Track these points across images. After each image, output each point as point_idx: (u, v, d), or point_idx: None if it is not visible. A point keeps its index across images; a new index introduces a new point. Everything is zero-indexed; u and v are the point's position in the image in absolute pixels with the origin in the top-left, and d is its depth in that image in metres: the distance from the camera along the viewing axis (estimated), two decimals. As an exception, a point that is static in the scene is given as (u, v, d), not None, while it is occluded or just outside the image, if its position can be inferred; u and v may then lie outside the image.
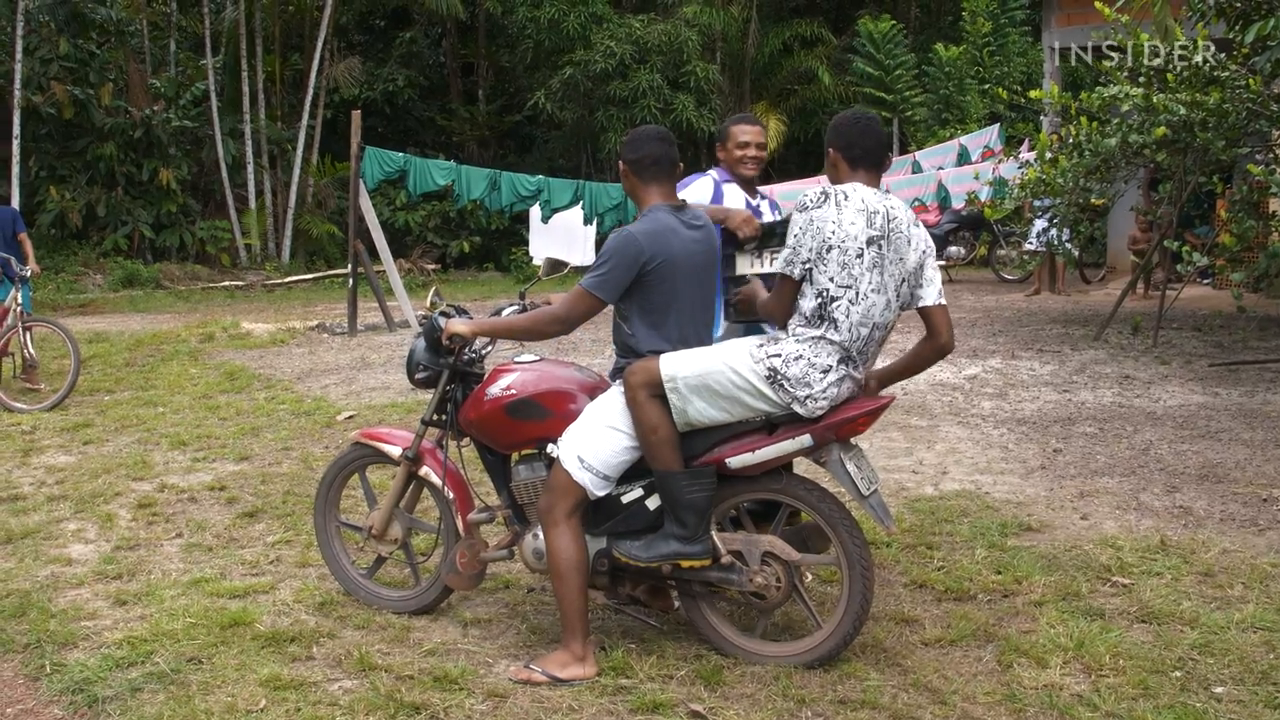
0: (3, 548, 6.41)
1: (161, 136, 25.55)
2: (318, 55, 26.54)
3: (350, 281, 15.59)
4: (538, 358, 4.99)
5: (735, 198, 5.57)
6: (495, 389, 4.83)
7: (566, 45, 27.46)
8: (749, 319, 4.84)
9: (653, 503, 4.60)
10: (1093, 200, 13.11)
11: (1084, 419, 8.92)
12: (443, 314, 5.06)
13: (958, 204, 18.16)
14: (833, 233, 4.24)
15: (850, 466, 4.38)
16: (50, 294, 20.74)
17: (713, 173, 5.77)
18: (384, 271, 15.93)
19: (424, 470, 5.15)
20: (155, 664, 4.64)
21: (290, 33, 29.23)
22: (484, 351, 5.16)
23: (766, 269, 4.74)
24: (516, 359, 4.96)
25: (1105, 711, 4.06)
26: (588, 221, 17.65)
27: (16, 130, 22.94)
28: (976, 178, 16.23)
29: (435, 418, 5.12)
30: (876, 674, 4.40)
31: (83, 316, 18.54)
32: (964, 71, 27.49)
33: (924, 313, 4.47)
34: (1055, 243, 14.15)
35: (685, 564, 4.47)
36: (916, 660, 4.53)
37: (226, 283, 24.02)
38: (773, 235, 4.76)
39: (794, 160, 30.74)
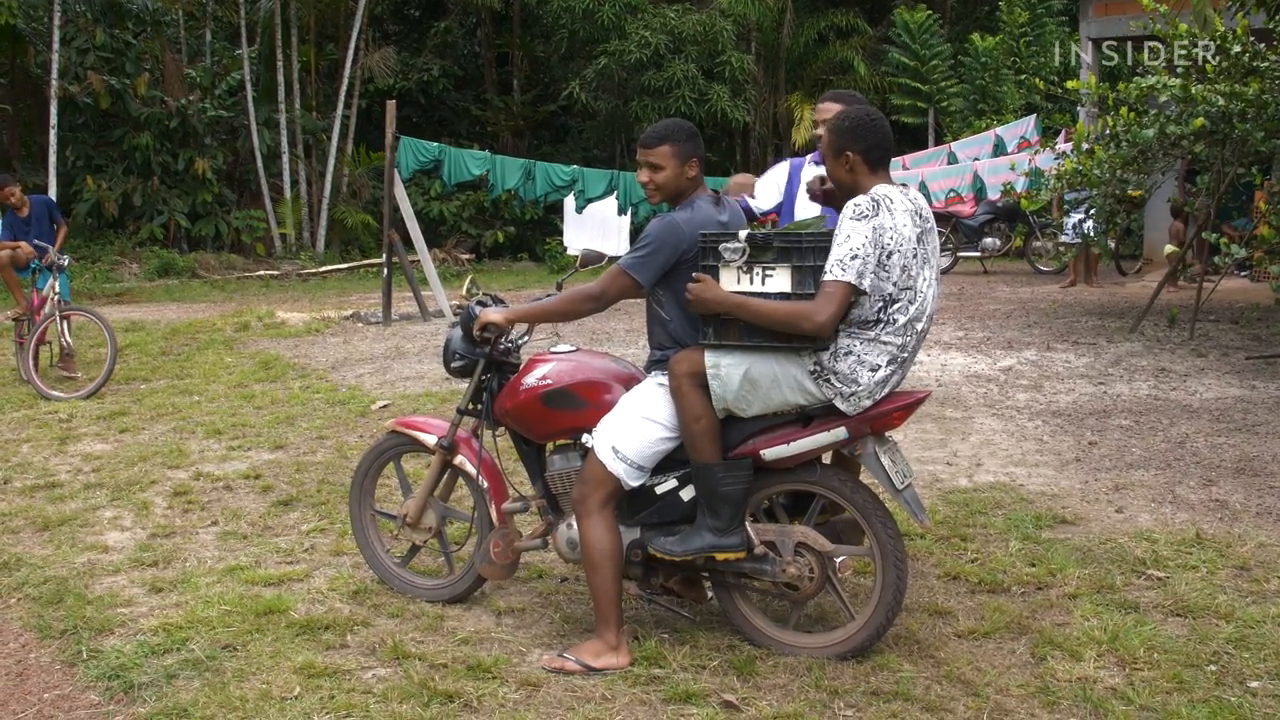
0: (40, 535, 6.47)
1: (197, 126, 25.68)
2: (353, 45, 26.59)
3: (385, 271, 15.62)
4: (574, 348, 5.02)
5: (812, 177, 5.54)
6: (531, 379, 4.86)
7: (601, 35, 27.42)
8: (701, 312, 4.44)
9: (687, 494, 4.61)
10: (1129, 192, 13.02)
11: (1119, 411, 8.86)
12: (479, 303, 5.09)
13: (993, 195, 18.04)
14: (891, 239, 4.22)
15: (885, 460, 4.36)
16: (87, 283, 20.88)
17: (808, 156, 5.86)
18: (418, 261, 15.95)
19: (459, 459, 5.18)
20: (190, 651, 4.68)
21: (325, 23, 29.29)
22: (521, 341, 5.21)
23: (755, 286, 4.33)
24: (553, 349, 5.00)
25: (1139, 705, 4.04)
26: (622, 212, 17.65)
27: (53, 120, 23.11)
28: (1012, 169, 16.14)
29: (471, 407, 5.15)
30: (909, 666, 4.40)
31: (119, 305, 18.66)
32: (1000, 62, 27.31)
33: None
34: (1091, 234, 14.06)
35: (720, 556, 4.48)
36: (949, 652, 4.52)
37: (261, 272, 24.10)
38: (766, 250, 4.31)
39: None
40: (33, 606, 5.39)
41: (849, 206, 4.27)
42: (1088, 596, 5.05)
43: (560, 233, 21.74)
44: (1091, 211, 13.45)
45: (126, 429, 9.15)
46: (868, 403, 4.30)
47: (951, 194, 18.06)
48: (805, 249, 4.26)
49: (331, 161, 26.88)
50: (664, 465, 4.63)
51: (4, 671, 4.73)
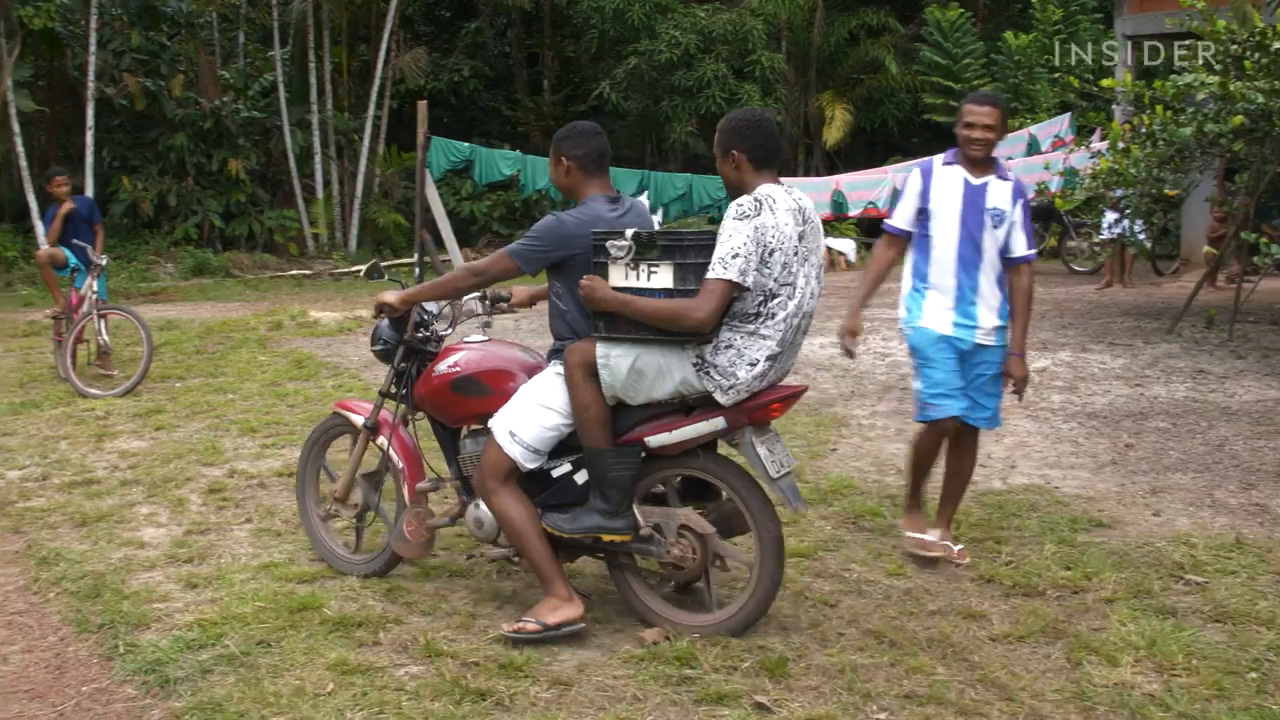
0: (78, 530, 6.51)
1: (231, 127, 25.81)
2: (384, 46, 26.67)
3: (416, 271, 15.66)
4: (486, 339, 5.41)
5: (949, 181, 5.59)
6: (442, 366, 5.21)
7: (631, 35, 27.44)
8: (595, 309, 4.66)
9: (581, 477, 4.88)
10: (1166, 191, 12.92)
11: (1156, 413, 8.80)
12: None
13: (1027, 194, 17.94)
14: (773, 237, 4.45)
15: (761, 450, 4.62)
16: (123, 282, 21.01)
17: (938, 157, 5.84)
18: (449, 261, 16.00)
19: (379, 440, 5.50)
20: (225, 646, 4.70)
21: (357, 24, 29.40)
22: (444, 332, 5.51)
23: (640, 283, 4.54)
24: (466, 339, 5.37)
25: (1178, 712, 4.01)
26: (652, 211, 17.65)
27: (90, 122, 23.28)
28: (1047, 168, 16.07)
29: (392, 390, 5.50)
30: (943, 669, 4.37)
31: (154, 304, 18.76)
32: (1034, 60, 27.16)
33: None
34: (1127, 234, 13.96)
35: (606, 537, 4.74)
36: (984, 656, 4.49)
37: (294, 271, 24.20)
38: (651, 247, 4.51)
39: (860, 151, 30.58)
40: (71, 600, 5.43)
41: (732, 206, 4.48)
42: (1125, 601, 5.01)
43: (592, 232, 21.72)
44: (1128, 211, 13.35)
45: (162, 426, 9.20)
46: (745, 396, 4.53)
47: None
48: (688, 247, 4.48)
49: (363, 161, 26.96)
50: (560, 450, 4.89)
51: (43, 664, 4.78)
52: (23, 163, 22.81)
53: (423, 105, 15.53)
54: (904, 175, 5.96)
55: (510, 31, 33.23)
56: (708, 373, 4.50)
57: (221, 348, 13.28)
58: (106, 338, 11.31)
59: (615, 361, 4.59)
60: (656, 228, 4.93)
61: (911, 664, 4.41)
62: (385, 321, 5.46)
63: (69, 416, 9.68)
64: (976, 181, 5.56)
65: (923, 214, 5.62)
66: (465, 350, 5.23)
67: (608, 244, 4.58)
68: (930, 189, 5.60)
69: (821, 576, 5.46)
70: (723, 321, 4.48)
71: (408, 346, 5.40)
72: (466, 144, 16.26)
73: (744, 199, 4.50)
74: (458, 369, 5.14)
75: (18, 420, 9.54)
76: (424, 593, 5.31)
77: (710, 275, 4.38)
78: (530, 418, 4.79)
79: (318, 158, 26.77)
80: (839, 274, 21.61)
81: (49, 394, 10.62)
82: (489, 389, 5.06)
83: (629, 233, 4.55)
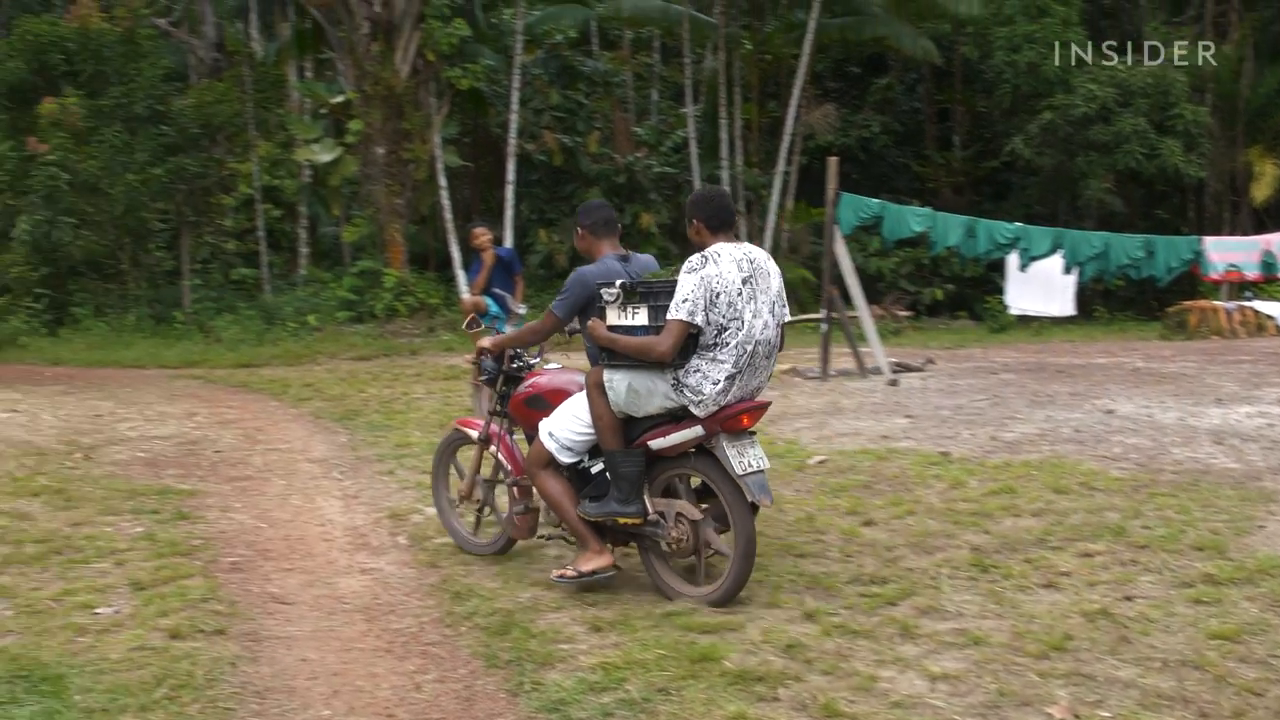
0: (490, 568, 6.84)
1: (643, 182, 26.76)
2: (794, 102, 27.00)
3: (823, 327, 15.67)
4: (558, 366, 7.07)
5: None
6: (521, 388, 6.84)
7: (1045, 89, 26.75)
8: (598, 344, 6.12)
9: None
10: None
11: None
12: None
13: None
14: (717, 282, 5.79)
15: (731, 451, 5.86)
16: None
17: None
18: (857, 317, 15.94)
19: (491, 449, 7.06)
20: (627, 691, 4.81)
21: (767, 81, 29.94)
22: (533, 362, 7.08)
23: (627, 321, 5.97)
24: (544, 367, 7.02)
25: None
26: (1067, 271, 17.06)
27: (510, 176, 24.69)
28: None
29: (497, 408, 7.06)
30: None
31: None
32: None
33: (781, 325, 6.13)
34: None
35: (622, 520, 6.12)
36: None
37: (702, 324, 24.66)
38: (633, 294, 5.96)
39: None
40: (481, 636, 5.69)
41: (685, 263, 5.90)
42: None
43: (1000, 291, 21.20)
44: None
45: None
46: (714, 408, 5.84)
47: None
48: (658, 293, 5.89)
49: (771, 216, 27.31)
50: (598, 452, 6.31)
51: (454, 695, 5.04)
52: (448, 215, 24.47)
53: (833, 161, 15.60)
54: None
55: (920, 86, 33.02)
56: (681, 390, 5.87)
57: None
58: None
59: (616, 383, 6.02)
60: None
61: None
62: (488, 358, 7.01)
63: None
64: None
65: None
66: (537, 376, 6.86)
67: (601, 290, 6.03)
68: None
69: (1246, 662, 5.05)
70: (694, 351, 5.82)
71: (505, 375, 6.99)
72: (876, 200, 16.18)
73: (694, 256, 5.91)
74: (530, 389, 6.76)
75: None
76: (824, 650, 5.26)
77: (669, 317, 5.76)
78: (564, 423, 6.33)
79: (726, 213, 27.30)
80: (1268, 339, 20.23)
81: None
82: (549, 404, 6.58)
83: (617, 283, 5.99)
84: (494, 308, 12.07)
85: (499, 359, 6.98)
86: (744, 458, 5.86)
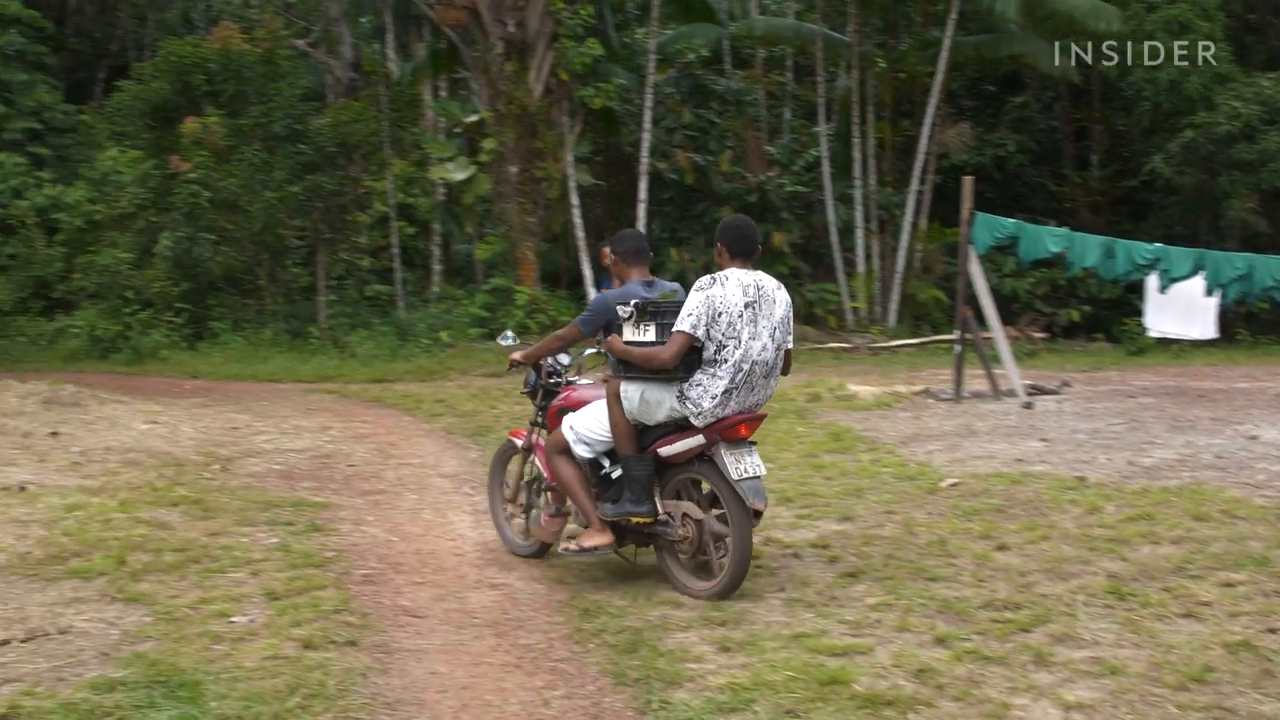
0: (619, 586, 6.84)
1: (775, 201, 26.70)
2: (928, 121, 26.72)
3: (957, 348, 15.44)
4: (589, 382, 7.68)
5: None
6: (556, 400, 7.51)
7: (1186, 107, 26.09)
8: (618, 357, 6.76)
9: None
10: None
11: None
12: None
13: None
14: (720, 302, 6.43)
15: (728, 458, 6.46)
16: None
17: None
18: (991, 338, 15.69)
19: (532, 457, 7.73)
20: (755, 713, 4.79)
21: (901, 99, 29.66)
22: (571, 378, 7.68)
23: (639, 336, 6.60)
24: (579, 381, 7.66)
25: None
26: (1209, 293, 16.59)
27: (642, 195, 24.83)
28: None
29: (537, 419, 7.72)
30: None
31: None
32: None
33: (786, 352, 6.78)
34: None
35: (634, 519, 6.69)
36: None
37: (833, 344, 24.51)
38: (645, 313, 6.59)
39: None
40: (610, 653, 5.70)
41: (696, 282, 6.56)
42: None
43: (1139, 313, 20.65)
44: None
45: (702, 491, 9.51)
46: (711, 419, 6.46)
47: None
48: (665, 312, 6.57)
49: (905, 236, 27.04)
50: (616, 458, 6.90)
51: (581, 711, 5.06)
52: (579, 234, 24.66)
53: (968, 181, 15.39)
54: None
55: (1057, 105, 32.44)
56: (684, 403, 6.50)
57: (761, 417, 13.58)
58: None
59: (630, 393, 6.66)
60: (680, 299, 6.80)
61: None
62: (532, 373, 7.71)
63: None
64: None
65: None
66: (571, 390, 7.49)
67: (617, 308, 6.68)
68: None
69: None
70: (698, 365, 6.46)
71: (543, 388, 7.68)
72: (1011, 220, 15.91)
73: (705, 277, 6.53)
74: (564, 401, 7.40)
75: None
76: (956, 676, 5.16)
77: (674, 329, 6.45)
78: (586, 421, 6.99)
79: (859, 232, 27.16)
80: None
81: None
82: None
83: (631, 302, 6.62)
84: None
85: (538, 372, 7.69)
86: (741, 464, 6.46)
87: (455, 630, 6.19)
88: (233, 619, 6.22)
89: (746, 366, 6.42)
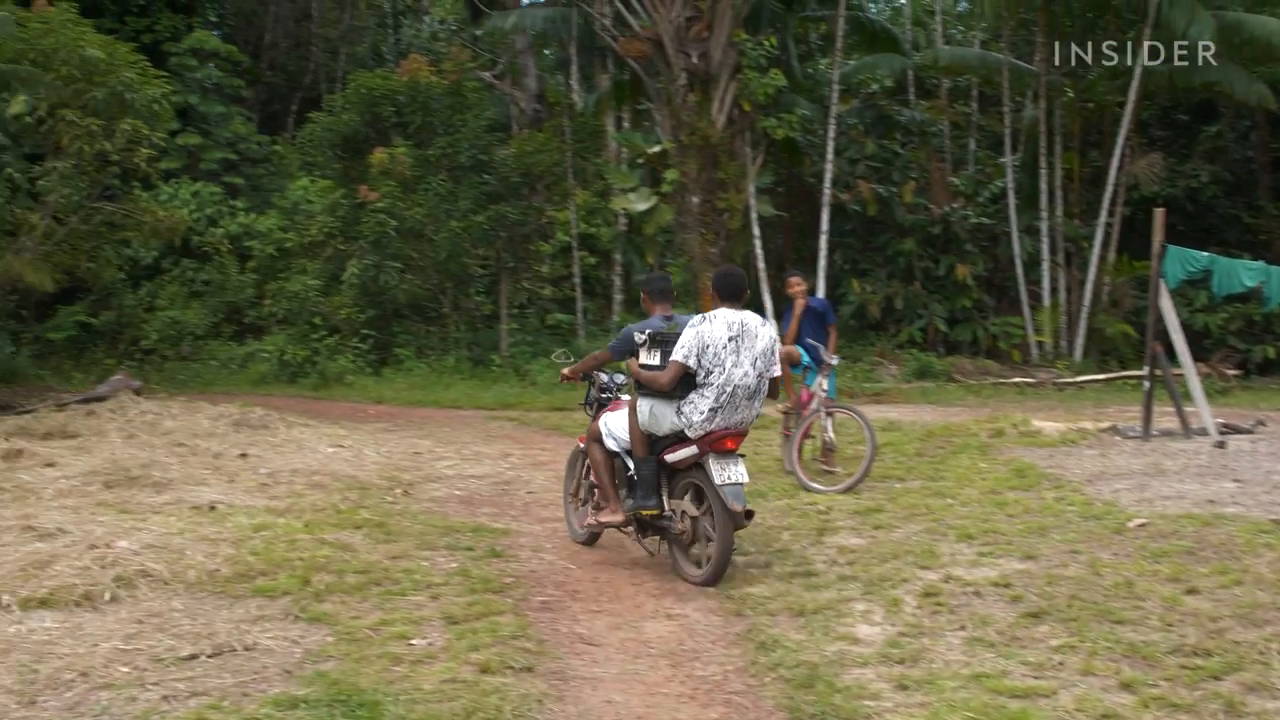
0: (795, 619, 6.84)
1: (959, 233, 26.35)
2: (1117, 152, 26.02)
3: (1146, 384, 15.01)
4: (629, 398, 8.61)
5: None
6: (606, 411, 8.83)
7: (1394, 135, 25.02)
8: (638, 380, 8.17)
9: None
10: None
11: None
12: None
13: None
14: (708, 336, 7.81)
15: (715, 466, 7.75)
16: (848, 381, 21.87)
17: None
18: (1182, 375, 15.22)
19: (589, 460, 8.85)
20: (934, 753, 4.71)
21: (1089, 129, 28.98)
22: (624, 396, 8.97)
23: (651, 362, 8.11)
24: (624, 398, 8.94)
25: None
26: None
27: (824, 226, 24.74)
28: None
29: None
30: None
31: (877, 405, 19.39)
32: None
33: (772, 380, 8.14)
34: None
35: (644, 512, 8.12)
36: None
37: (1016, 379, 23.98)
38: (657, 341, 8.14)
39: None
40: (785, 688, 5.71)
41: (690, 320, 8.01)
42: None
43: (1339, 349, 19.93)
44: None
45: (880, 525, 9.46)
46: (701, 432, 7.81)
47: None
48: (668, 342, 8.02)
49: (1092, 269, 26.35)
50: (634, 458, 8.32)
51: (757, 746, 5.02)
52: (761, 264, 24.65)
53: (1159, 212, 14.98)
54: None
55: (1254, 134, 31.33)
56: (681, 417, 7.87)
57: (941, 452, 13.44)
58: (832, 435, 11.86)
59: (643, 407, 8.09)
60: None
61: None
62: (592, 390, 9.29)
63: (792, 509, 10.21)
64: None
65: None
66: (616, 403, 8.91)
67: (634, 336, 8.27)
68: None
69: None
70: (693, 388, 7.82)
71: (597, 401, 9.18)
72: (1204, 253, 15.43)
73: (697, 315, 7.98)
74: (605, 411, 8.82)
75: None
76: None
77: (671, 358, 7.86)
78: (614, 421, 8.60)
79: (1045, 264, 26.59)
80: None
81: (774, 485, 11.27)
82: None
83: (646, 332, 8.20)
84: (806, 358, 12.11)
85: (592, 388, 9.31)
86: (725, 472, 7.75)
87: (631, 659, 6.26)
88: (412, 641, 6.39)
89: (730, 389, 7.81)
